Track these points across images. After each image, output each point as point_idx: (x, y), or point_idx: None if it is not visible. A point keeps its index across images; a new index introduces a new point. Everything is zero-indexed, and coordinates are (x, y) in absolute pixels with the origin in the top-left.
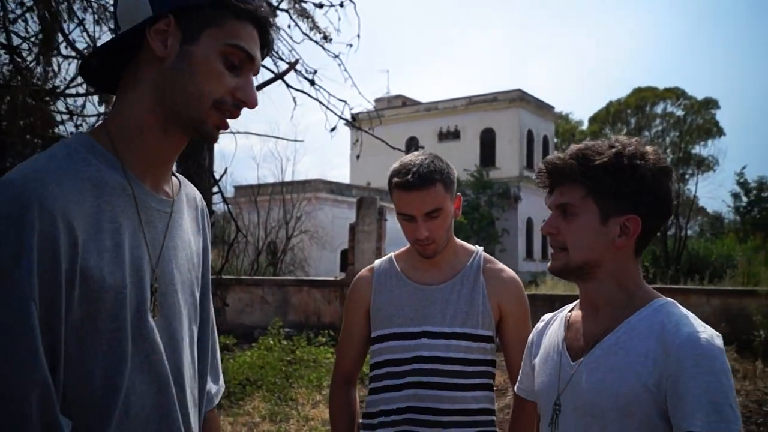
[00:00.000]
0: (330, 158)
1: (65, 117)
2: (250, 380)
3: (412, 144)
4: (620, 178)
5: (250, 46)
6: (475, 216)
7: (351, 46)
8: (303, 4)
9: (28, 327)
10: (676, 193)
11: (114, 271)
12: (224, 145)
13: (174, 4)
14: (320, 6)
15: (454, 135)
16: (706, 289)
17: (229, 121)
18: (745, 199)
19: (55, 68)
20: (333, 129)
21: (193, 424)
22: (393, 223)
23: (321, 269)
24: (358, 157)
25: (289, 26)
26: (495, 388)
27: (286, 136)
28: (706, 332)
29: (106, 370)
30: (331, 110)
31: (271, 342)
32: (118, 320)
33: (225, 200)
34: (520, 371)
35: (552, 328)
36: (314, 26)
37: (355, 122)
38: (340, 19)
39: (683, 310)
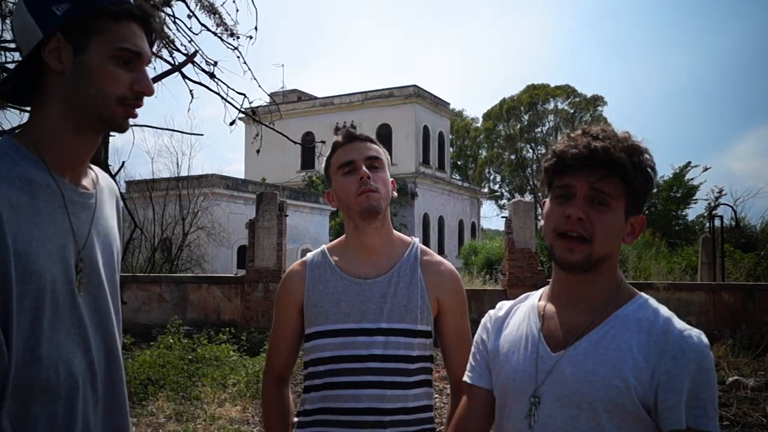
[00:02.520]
0: (224, 154)
1: None
2: (151, 380)
3: (309, 139)
4: (649, 180)
5: (135, 43)
6: None
7: (251, 38)
8: None
9: None
10: None
11: (39, 258)
12: (115, 139)
13: (57, 22)
14: None
15: None
16: None
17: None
18: None
19: None
20: (233, 123)
21: (123, 387)
22: (292, 219)
23: (218, 266)
24: (258, 151)
25: (189, 17)
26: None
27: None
28: (694, 331)
29: (25, 343)
30: (231, 104)
31: (171, 340)
32: (38, 301)
33: (122, 196)
34: (470, 358)
35: (517, 317)
36: (221, 22)
37: (255, 116)
38: (238, 10)
39: (661, 306)
